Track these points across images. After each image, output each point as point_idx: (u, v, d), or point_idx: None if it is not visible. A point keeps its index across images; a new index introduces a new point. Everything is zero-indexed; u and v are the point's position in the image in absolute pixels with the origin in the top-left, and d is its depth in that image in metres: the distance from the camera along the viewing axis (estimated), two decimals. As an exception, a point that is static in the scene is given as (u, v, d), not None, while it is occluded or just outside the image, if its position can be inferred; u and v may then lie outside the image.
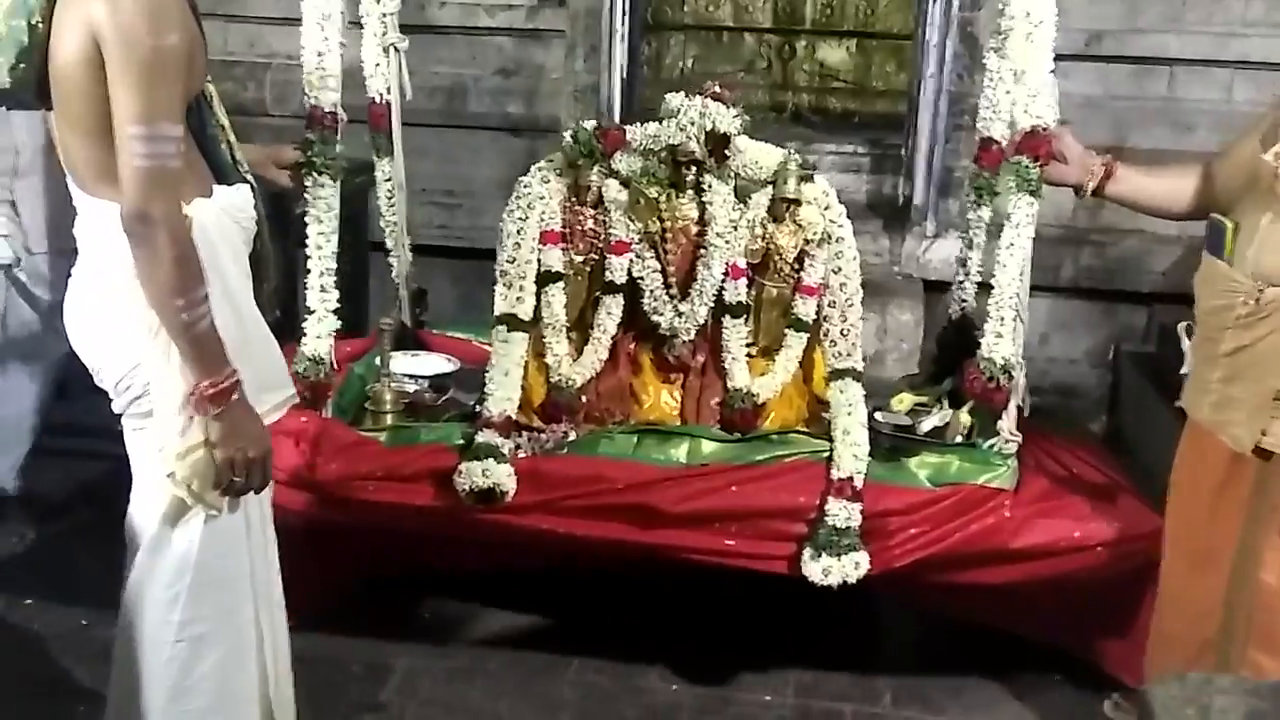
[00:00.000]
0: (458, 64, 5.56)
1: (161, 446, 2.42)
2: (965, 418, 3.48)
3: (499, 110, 5.65)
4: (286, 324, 3.54)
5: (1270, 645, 2.97)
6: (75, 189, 2.44)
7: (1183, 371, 3.08)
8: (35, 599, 3.94)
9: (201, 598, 2.55)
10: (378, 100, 3.79)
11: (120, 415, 2.52)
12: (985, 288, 3.48)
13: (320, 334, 3.44)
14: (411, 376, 3.79)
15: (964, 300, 3.81)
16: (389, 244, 4.02)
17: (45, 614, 3.86)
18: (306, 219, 3.48)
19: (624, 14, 5.26)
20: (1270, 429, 2.81)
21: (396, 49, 3.77)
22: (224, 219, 2.46)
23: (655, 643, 3.71)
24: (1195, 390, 3.01)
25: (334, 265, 3.48)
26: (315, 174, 3.40)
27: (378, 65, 3.76)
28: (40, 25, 2.32)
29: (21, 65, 2.34)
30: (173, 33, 2.25)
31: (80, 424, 4.39)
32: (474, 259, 5.33)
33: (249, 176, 2.61)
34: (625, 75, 5.35)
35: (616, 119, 5.20)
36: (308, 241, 3.46)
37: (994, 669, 3.63)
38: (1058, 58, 3.23)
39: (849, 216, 3.65)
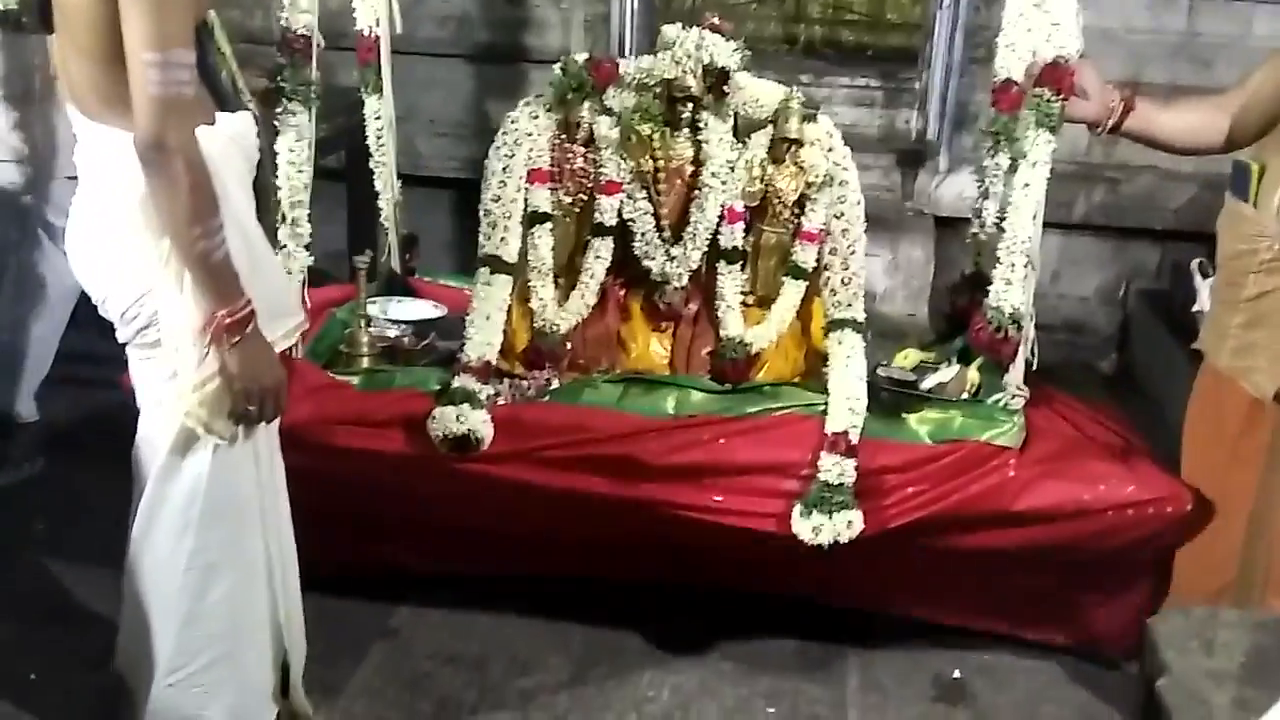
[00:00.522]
0: None
1: (172, 375, 2.35)
2: (974, 375, 3.17)
3: (508, 41, 5.38)
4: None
5: None
6: (78, 115, 2.34)
7: (1195, 309, 3.03)
8: (47, 526, 3.86)
9: (211, 526, 2.50)
10: (366, 33, 3.49)
11: (125, 345, 2.44)
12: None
13: (291, 270, 3.16)
14: (394, 321, 3.52)
15: (979, 253, 3.50)
16: (378, 185, 3.74)
17: (56, 539, 3.79)
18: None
19: None
20: None
21: None
22: (230, 147, 2.37)
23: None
24: (1215, 335, 2.92)
25: (306, 198, 3.23)
26: (286, 100, 3.15)
27: None
28: None
29: None
30: None
31: (94, 352, 4.04)
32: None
33: (251, 105, 2.50)
34: (636, 6, 5.06)
35: (627, 50, 4.95)
36: (287, 168, 3.20)
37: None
38: None
39: (862, 150, 3.39)
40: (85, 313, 3.84)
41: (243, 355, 2.31)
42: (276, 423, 2.57)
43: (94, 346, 3.89)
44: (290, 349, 3.11)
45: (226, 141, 2.36)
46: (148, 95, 2.13)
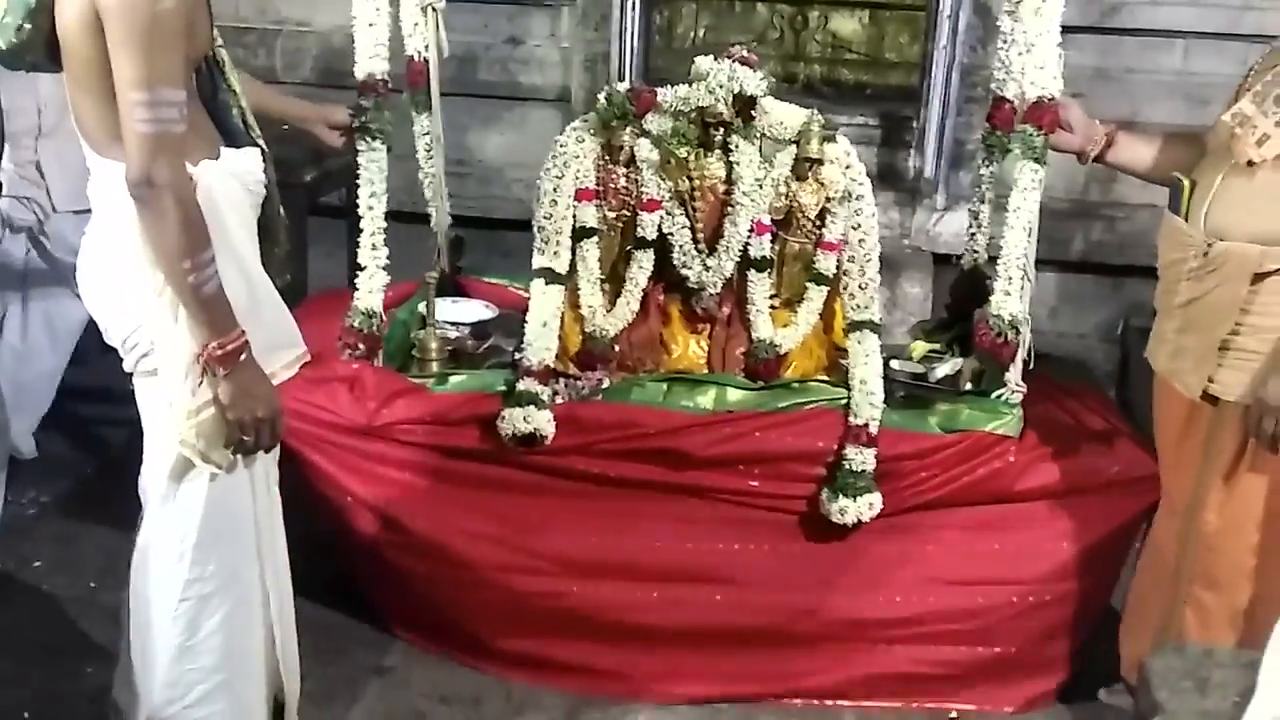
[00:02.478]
0: (468, 32, 5.82)
1: (169, 404, 2.64)
2: (975, 365, 3.94)
3: (509, 79, 6.00)
4: (296, 288, 4.05)
5: (1212, 582, 3.40)
6: (87, 149, 2.65)
7: None
8: (45, 562, 4.28)
9: (207, 556, 2.78)
10: (416, 58, 4.22)
11: (130, 374, 2.75)
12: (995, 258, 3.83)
13: (372, 289, 3.91)
14: (453, 323, 4.24)
15: (975, 251, 4.24)
16: (428, 194, 4.44)
17: (55, 576, 4.19)
18: (350, 180, 3.90)
19: None
20: (1217, 376, 3.20)
21: (434, 9, 4.20)
22: (230, 182, 2.67)
23: None
24: (1155, 341, 3.39)
25: (384, 225, 3.92)
26: (369, 138, 3.83)
27: (416, 25, 4.18)
28: None
29: (27, 27, 2.52)
30: None
31: (97, 388, 4.76)
32: (484, 228, 5.73)
33: (260, 141, 2.81)
34: (636, 45, 5.60)
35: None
36: (358, 202, 3.89)
37: None
38: (1073, 29, 3.58)
39: None
40: (94, 349, 4.18)
41: (236, 385, 2.59)
42: (274, 453, 2.89)
43: (94, 382, 4.54)
44: (371, 356, 3.87)
45: (228, 176, 2.65)
46: (136, 132, 2.40)
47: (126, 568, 2.92)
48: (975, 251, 4.28)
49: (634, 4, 5.56)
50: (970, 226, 4.30)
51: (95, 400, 5.01)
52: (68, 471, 4.88)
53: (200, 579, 2.79)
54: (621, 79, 5.58)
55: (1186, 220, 3.22)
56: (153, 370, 2.67)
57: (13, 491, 4.39)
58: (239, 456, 2.72)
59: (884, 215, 5.24)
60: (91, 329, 2.91)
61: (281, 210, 2.94)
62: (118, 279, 2.66)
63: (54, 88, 4.23)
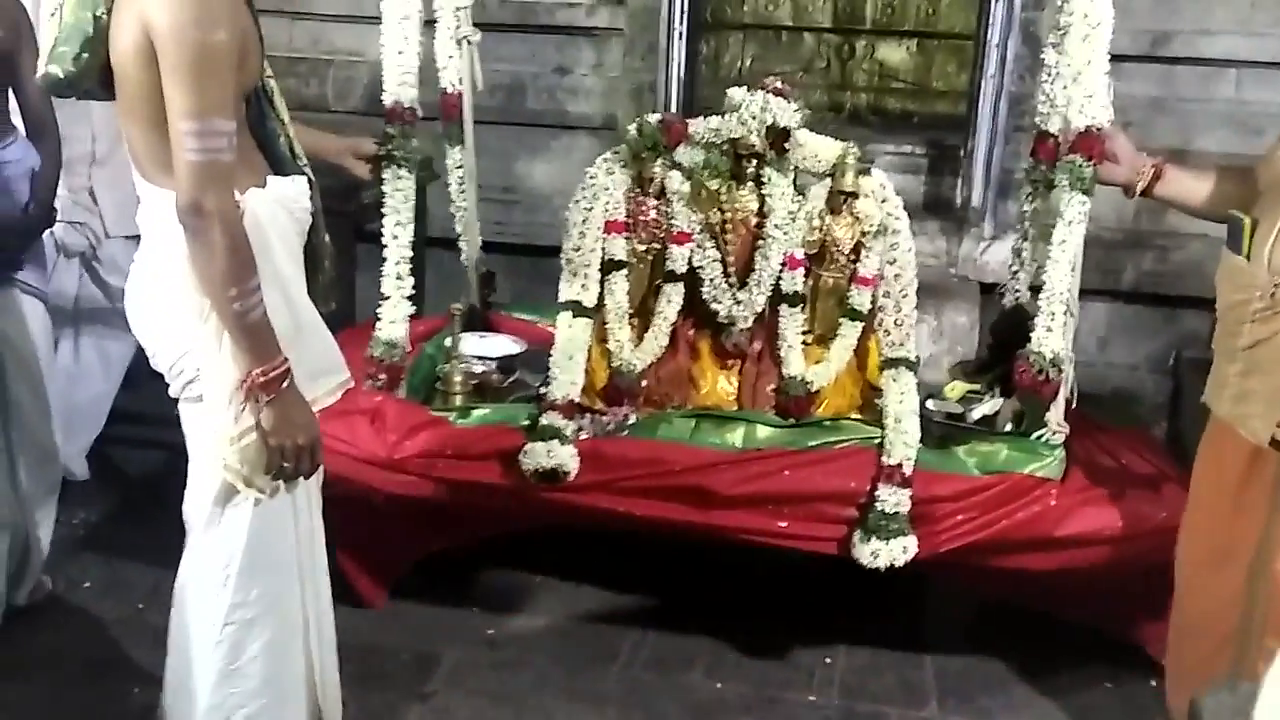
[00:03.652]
0: (516, 61, 5.77)
1: (213, 430, 2.59)
2: (1016, 405, 3.73)
3: (556, 108, 5.87)
4: (344, 314, 3.98)
5: None
6: (138, 177, 2.62)
7: None
8: (94, 582, 4.20)
9: (250, 582, 2.73)
10: (449, 91, 4.10)
11: (176, 399, 2.70)
12: (1037, 289, 3.68)
13: (395, 319, 3.78)
14: (480, 358, 4.10)
15: (1018, 290, 4.05)
16: (459, 228, 4.33)
17: (103, 597, 4.11)
18: (383, 210, 3.77)
19: (682, 12, 5.42)
20: None
21: (470, 42, 4.09)
22: (277, 209, 2.62)
23: (700, 639, 3.99)
24: (1215, 385, 3.15)
25: (409, 254, 3.79)
26: (395, 166, 3.72)
27: (450, 58, 4.06)
28: (104, 17, 2.48)
29: (84, 55, 2.50)
30: (221, 29, 2.39)
31: (146, 413, 4.63)
32: (530, 255, 5.57)
33: (307, 170, 2.78)
34: (683, 74, 5.53)
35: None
36: (383, 231, 3.77)
37: (1041, 672, 3.89)
38: (1124, 58, 3.41)
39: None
40: (143, 373, 4.07)
41: (278, 412, 2.54)
42: (317, 479, 2.84)
43: (145, 407, 4.41)
44: (393, 387, 3.74)
45: (274, 204, 2.61)
46: (186, 161, 2.37)
47: (173, 590, 2.87)
48: (1018, 290, 4.09)
49: (680, 34, 5.47)
50: (1013, 264, 4.13)
51: (146, 424, 4.90)
52: (118, 494, 4.83)
53: (244, 604, 2.74)
54: (668, 108, 5.50)
55: (1249, 260, 2.98)
56: (198, 396, 2.62)
57: (63, 513, 4.33)
58: (281, 483, 2.66)
59: (931, 244, 5.33)
60: (143, 353, 2.80)
61: (328, 237, 2.90)
62: (165, 305, 2.61)
63: (107, 115, 4.26)
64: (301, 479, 2.69)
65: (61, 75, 2.54)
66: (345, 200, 4.61)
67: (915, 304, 3.88)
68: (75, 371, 4.69)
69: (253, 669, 2.79)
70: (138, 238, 2.70)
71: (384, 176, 3.74)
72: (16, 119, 3.87)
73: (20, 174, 3.80)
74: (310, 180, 2.76)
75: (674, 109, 5.51)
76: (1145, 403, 5.59)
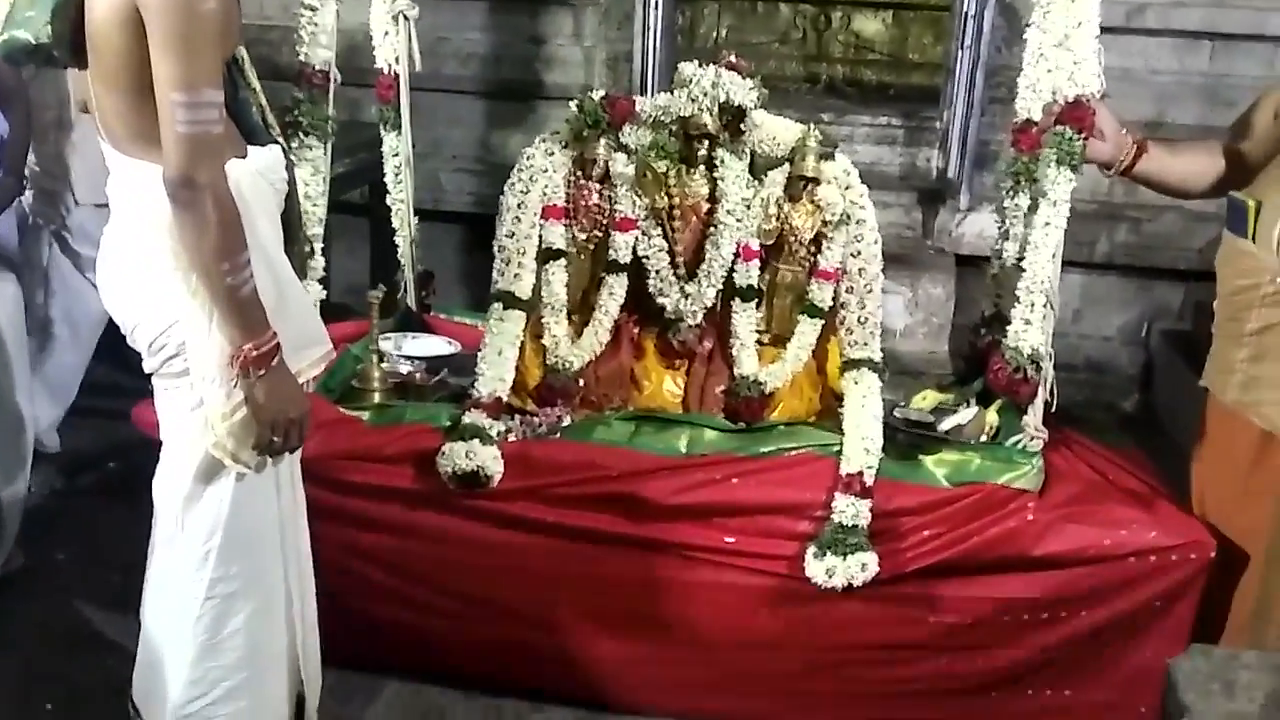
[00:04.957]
0: (492, 30, 5.34)
1: (198, 405, 2.37)
2: (992, 417, 3.11)
3: (532, 78, 5.44)
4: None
5: None
6: (109, 148, 2.38)
7: None
8: (67, 554, 3.91)
9: (231, 556, 2.51)
10: (386, 71, 3.50)
11: (150, 375, 2.45)
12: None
13: None
14: (408, 358, 3.49)
15: (999, 294, 3.43)
16: (395, 222, 3.73)
17: (76, 569, 3.84)
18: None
19: None
20: None
21: (406, 17, 3.44)
22: (258, 180, 2.40)
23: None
24: (1220, 370, 2.91)
25: (320, 231, 3.28)
26: (302, 135, 3.18)
27: (386, 34, 3.45)
28: None
29: (56, 22, 2.29)
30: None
31: (119, 384, 4.14)
32: None
33: (280, 139, 2.53)
34: (658, 44, 5.07)
35: (649, 88, 4.94)
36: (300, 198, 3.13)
37: None
38: (1101, 30, 2.90)
39: (883, 189, 3.34)
40: (109, 344, 3.97)
41: (269, 387, 2.33)
42: (299, 453, 2.59)
43: (118, 378, 3.96)
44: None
45: (255, 175, 2.38)
46: (177, 134, 2.16)
47: (146, 564, 2.66)
48: (999, 296, 3.42)
49: (656, 3, 5.01)
50: (991, 268, 3.49)
51: (118, 395, 4.29)
52: (91, 466, 4.44)
53: (225, 579, 2.51)
54: (644, 79, 5.08)
55: (1254, 242, 2.77)
56: (180, 372, 2.39)
57: (36, 484, 4.07)
58: (267, 457, 2.44)
59: (906, 216, 5.04)
60: (112, 323, 2.54)
61: (301, 208, 2.71)
62: (144, 281, 2.37)
63: (77, 83, 3.86)
64: (286, 453, 2.48)
65: (32, 41, 2.30)
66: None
67: (880, 302, 3.27)
68: (45, 342, 4.32)
69: (233, 643, 2.57)
70: (108, 206, 2.42)
71: (291, 146, 3.11)
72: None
73: None
74: (284, 149, 2.53)
75: (650, 79, 5.08)
76: (1118, 374, 5.25)
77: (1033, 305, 2.91)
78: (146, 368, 2.45)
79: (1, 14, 2.32)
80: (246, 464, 2.41)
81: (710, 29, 5.57)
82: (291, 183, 2.55)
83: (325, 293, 3.27)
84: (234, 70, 2.44)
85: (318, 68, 3.15)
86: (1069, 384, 3.50)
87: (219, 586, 2.51)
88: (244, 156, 2.39)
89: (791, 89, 3.25)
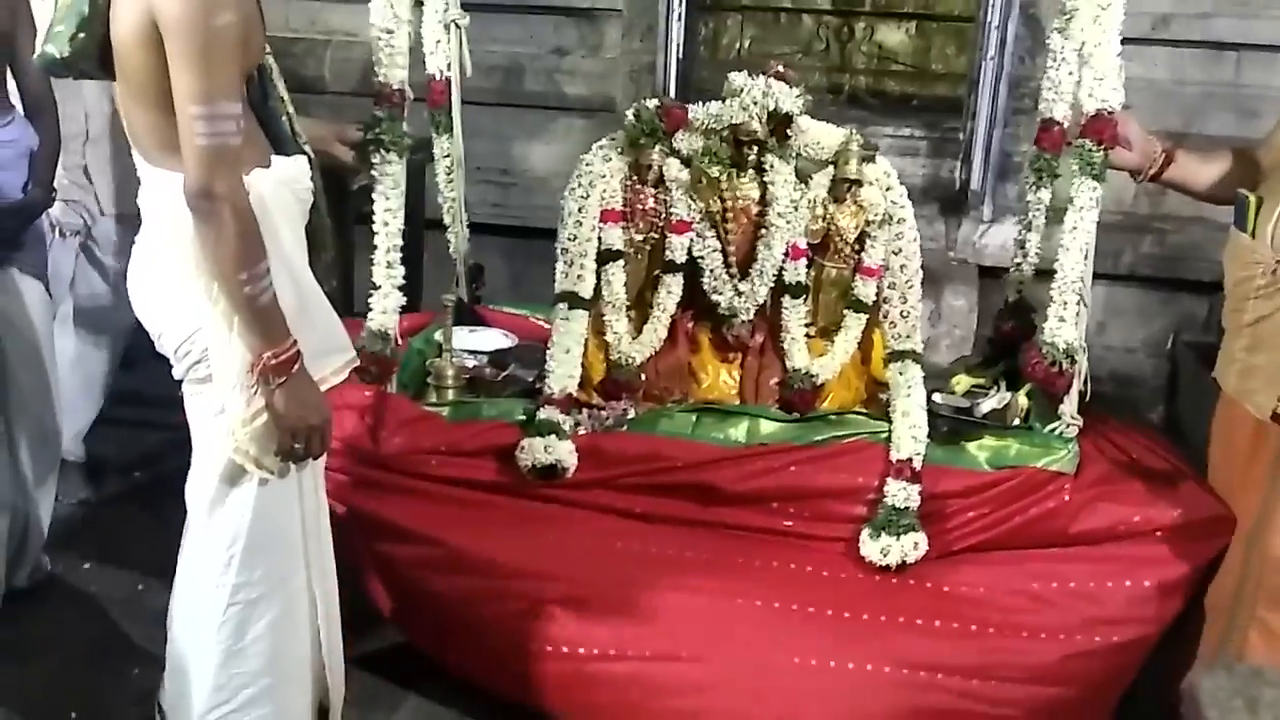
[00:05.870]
0: (514, 43, 5.66)
1: (220, 412, 2.54)
2: (1023, 400, 3.51)
3: (554, 90, 5.74)
4: (342, 295, 3.80)
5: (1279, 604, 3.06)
6: (139, 158, 2.55)
7: None
8: (94, 563, 4.13)
9: (254, 562, 2.67)
10: (438, 77, 3.85)
11: (180, 381, 2.63)
12: (1042, 274, 3.53)
13: (385, 309, 3.54)
14: (471, 352, 3.88)
15: (1021, 282, 3.83)
16: (446, 220, 4.09)
17: (102, 578, 4.04)
18: (373, 194, 3.57)
19: None
20: None
21: (458, 25, 3.80)
22: (281, 190, 2.57)
23: None
24: (1223, 361, 3.17)
25: (400, 241, 3.58)
26: (383, 151, 3.49)
27: (439, 42, 3.79)
28: None
29: (81, 35, 2.45)
30: (227, 12, 2.33)
31: (143, 393, 4.56)
32: (527, 238, 5.43)
33: (306, 148, 2.71)
34: (681, 55, 5.39)
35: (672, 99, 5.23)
36: (374, 217, 3.56)
37: None
38: (1124, 41, 3.27)
39: None
40: (142, 354, 3.97)
41: (288, 394, 2.50)
42: (322, 460, 2.79)
43: (143, 387, 4.37)
44: (384, 381, 3.53)
45: (278, 184, 2.56)
46: (195, 146, 2.33)
47: (173, 571, 2.83)
48: (1021, 282, 3.82)
49: (679, 15, 5.34)
50: (1016, 256, 3.86)
51: (143, 405, 4.81)
52: (115, 475, 4.72)
53: (248, 584, 2.69)
54: (666, 90, 5.38)
55: (1253, 237, 3.02)
56: (205, 378, 2.58)
57: (62, 494, 4.28)
58: (290, 464, 2.62)
59: (929, 227, 5.23)
60: (140, 333, 2.76)
61: (328, 218, 2.86)
62: (171, 288, 2.56)
63: (100, 94, 4.22)
64: (309, 459, 2.66)
65: (57, 55, 2.49)
66: (346, 180, 4.40)
67: (921, 295, 3.68)
68: (71, 353, 4.51)
69: (256, 649, 2.73)
70: (133, 216, 2.64)
71: (372, 161, 3.51)
72: (15, 98, 3.78)
73: (18, 154, 3.71)
74: (310, 159, 2.71)
75: (672, 91, 5.39)
76: (1143, 385, 5.48)
77: (1065, 304, 3.33)
78: (175, 374, 2.64)
79: (43, 28, 2.52)
80: (269, 470, 2.58)
81: (733, 40, 5.78)
82: (317, 192, 2.73)
83: (405, 299, 3.59)
84: (264, 79, 2.65)
85: (395, 87, 3.48)
86: (1097, 393, 3.67)
87: (241, 593, 2.69)
88: (268, 166, 2.57)
89: (815, 100, 3.59)
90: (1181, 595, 3.31)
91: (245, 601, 2.70)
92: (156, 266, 2.60)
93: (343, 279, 4.10)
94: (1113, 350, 5.52)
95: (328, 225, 2.84)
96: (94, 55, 2.50)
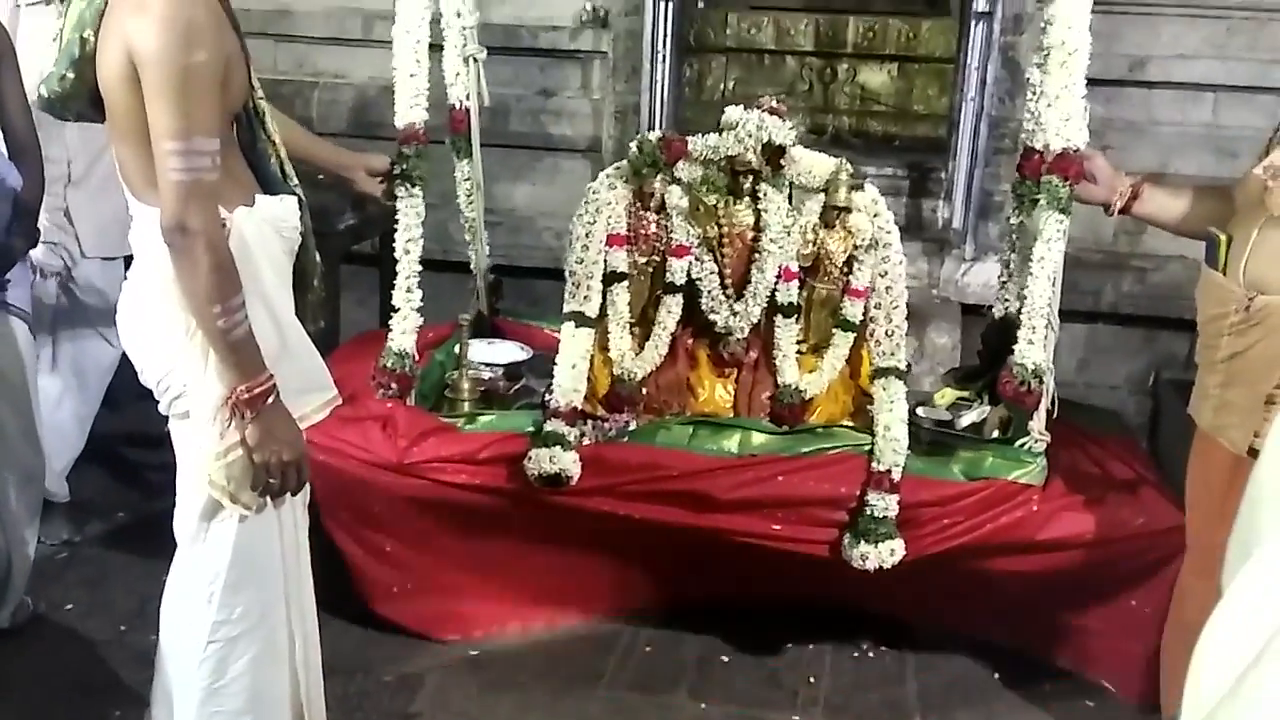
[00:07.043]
0: (500, 83, 5.80)
1: (199, 447, 2.69)
2: (1003, 412, 4.01)
3: (540, 130, 6.14)
4: (329, 335, 4.18)
5: None
6: (130, 196, 2.71)
7: None
8: (77, 603, 4.33)
9: (235, 598, 2.83)
10: (458, 107, 4.41)
11: (167, 417, 2.82)
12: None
13: (405, 330, 4.06)
14: (487, 364, 4.38)
15: (1007, 300, 4.29)
16: (467, 237, 4.63)
17: (86, 618, 4.24)
18: (383, 227, 4.07)
19: (665, 36, 5.63)
20: (1262, 430, 3.06)
21: (475, 59, 4.38)
22: (264, 228, 2.73)
23: (684, 659, 4.19)
24: (1198, 397, 3.37)
25: (419, 268, 4.08)
26: (408, 185, 3.99)
27: (458, 75, 4.38)
28: (90, 38, 2.58)
29: (70, 76, 2.62)
30: (202, 50, 2.49)
31: (127, 434, 4.95)
32: (514, 276, 5.67)
33: (298, 189, 2.88)
34: (666, 97, 5.72)
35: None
36: (395, 246, 4.05)
37: (1023, 689, 4.09)
38: (1103, 83, 3.67)
39: None
40: (125, 394, 4.40)
41: (262, 428, 2.63)
42: (303, 496, 2.95)
43: (127, 428, 4.67)
44: (403, 395, 4.01)
45: (262, 222, 2.72)
46: (170, 181, 2.46)
47: (157, 611, 2.98)
48: (1007, 300, 4.31)
49: (664, 56, 5.66)
50: (1001, 275, 4.36)
51: (127, 444, 5.16)
52: (99, 515, 4.94)
53: (228, 621, 2.84)
54: (651, 130, 5.54)
55: (1225, 274, 3.20)
56: (185, 412, 2.74)
57: (45, 534, 4.46)
58: (267, 499, 2.77)
59: (912, 265, 5.22)
60: (122, 373, 2.92)
61: (318, 257, 3.01)
62: (154, 322, 2.72)
63: (83, 136, 4.44)
64: (288, 495, 2.80)
65: (48, 95, 2.69)
66: (334, 220, 4.83)
67: (905, 314, 4.15)
68: (54, 393, 4.76)
69: (237, 687, 2.88)
70: (114, 259, 2.77)
71: (398, 194, 3.99)
72: (-1, 141, 3.97)
73: (2, 196, 3.87)
74: (300, 200, 2.87)
75: (657, 132, 5.27)
76: (1126, 422, 5.48)
77: (1034, 328, 3.76)
78: (160, 409, 2.80)
79: (36, 70, 2.78)
80: (245, 506, 2.72)
81: (717, 81, 6.08)
82: (305, 232, 2.88)
83: (422, 320, 4.11)
84: (254, 121, 2.80)
85: (419, 126, 4.00)
86: (1077, 405, 4.11)
87: (222, 630, 2.82)
88: (253, 204, 2.70)
89: (800, 140, 4.02)
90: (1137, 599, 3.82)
91: (226, 639, 2.83)
92: (142, 301, 2.75)
93: (329, 318, 4.39)
94: (1095, 388, 5.82)
95: (317, 265, 2.98)
96: (84, 96, 2.65)
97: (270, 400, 2.64)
